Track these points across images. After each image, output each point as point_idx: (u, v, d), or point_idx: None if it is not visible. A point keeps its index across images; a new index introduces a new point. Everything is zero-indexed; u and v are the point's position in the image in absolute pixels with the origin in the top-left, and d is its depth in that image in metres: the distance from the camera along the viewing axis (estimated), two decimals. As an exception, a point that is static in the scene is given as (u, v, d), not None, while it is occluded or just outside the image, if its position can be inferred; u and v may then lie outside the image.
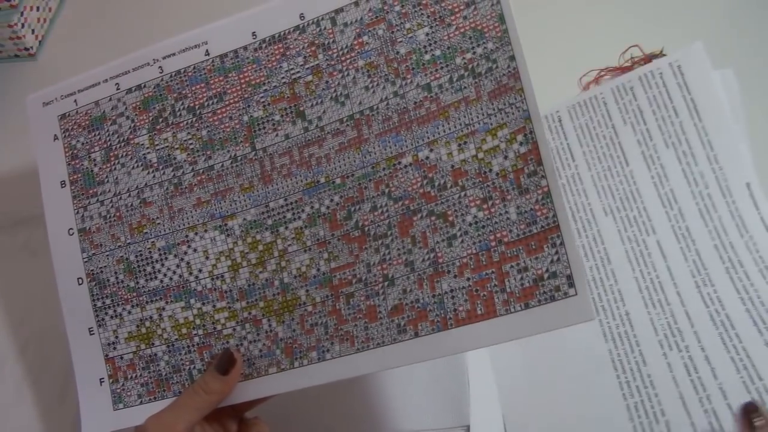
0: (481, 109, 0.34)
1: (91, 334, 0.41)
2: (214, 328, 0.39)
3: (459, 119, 0.35)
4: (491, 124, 0.34)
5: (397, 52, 0.37)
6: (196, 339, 0.39)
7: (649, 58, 0.51)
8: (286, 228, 0.38)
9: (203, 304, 0.39)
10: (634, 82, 0.49)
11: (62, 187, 0.42)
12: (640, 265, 0.45)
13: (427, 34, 0.36)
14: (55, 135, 0.43)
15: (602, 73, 0.53)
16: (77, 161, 0.42)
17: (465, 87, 0.35)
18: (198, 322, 0.39)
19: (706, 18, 0.55)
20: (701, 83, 0.47)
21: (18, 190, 0.57)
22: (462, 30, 0.35)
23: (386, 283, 0.35)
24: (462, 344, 0.33)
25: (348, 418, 0.45)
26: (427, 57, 0.36)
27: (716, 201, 0.45)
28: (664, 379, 0.42)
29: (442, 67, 0.36)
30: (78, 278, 0.42)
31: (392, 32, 0.37)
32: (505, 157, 0.34)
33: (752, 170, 0.45)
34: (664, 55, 0.51)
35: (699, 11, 0.56)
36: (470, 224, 0.34)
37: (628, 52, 0.52)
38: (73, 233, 0.42)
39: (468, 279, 0.34)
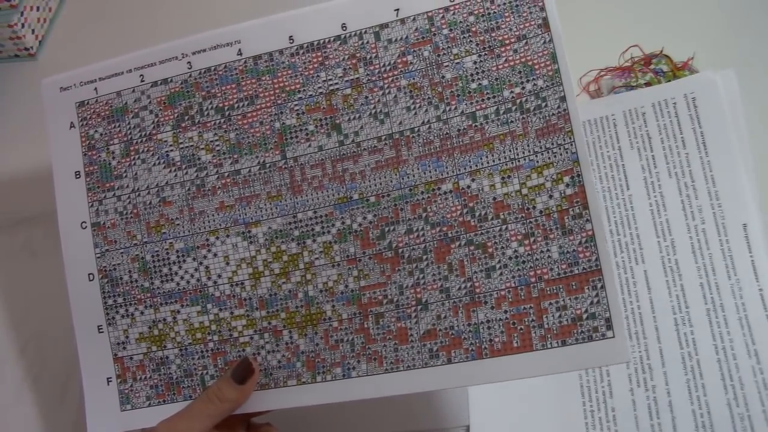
0: (528, 145, 0.35)
1: (99, 332, 0.40)
2: (230, 335, 0.39)
3: (504, 152, 0.35)
4: (537, 162, 0.35)
5: (443, 77, 0.36)
6: (211, 345, 0.39)
7: (649, 59, 0.52)
8: (314, 241, 0.38)
9: (220, 310, 0.39)
10: (646, 108, 0.49)
11: (76, 178, 0.41)
12: (623, 293, 0.46)
13: (475, 63, 0.36)
14: (72, 123, 0.41)
15: (602, 73, 0.53)
16: (94, 152, 0.41)
17: (512, 121, 0.35)
18: (214, 327, 0.39)
19: (706, 18, 0.56)
20: (713, 118, 0.47)
21: (18, 190, 0.56)
22: (512, 63, 0.36)
23: (419, 307, 0.36)
24: (495, 374, 0.34)
25: (348, 418, 0.46)
26: (473, 85, 0.36)
27: (710, 238, 0.46)
28: (627, 416, 0.43)
29: (489, 98, 0.36)
30: (89, 274, 0.40)
31: (438, 55, 0.37)
32: (550, 197, 0.34)
33: (752, 211, 0.45)
34: (666, 55, 0.51)
35: (699, 11, 0.56)
36: (510, 258, 0.35)
37: (628, 52, 0.52)
38: (86, 227, 0.40)
39: (506, 312, 0.34)
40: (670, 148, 0.48)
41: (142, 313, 0.40)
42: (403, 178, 0.37)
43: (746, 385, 0.42)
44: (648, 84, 0.51)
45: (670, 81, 0.50)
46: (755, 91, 0.50)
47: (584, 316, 0.33)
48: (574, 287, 0.34)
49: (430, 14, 0.37)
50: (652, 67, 0.52)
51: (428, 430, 0.45)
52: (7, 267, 0.54)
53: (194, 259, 0.39)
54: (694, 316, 0.44)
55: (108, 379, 0.40)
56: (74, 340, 0.46)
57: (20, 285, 0.53)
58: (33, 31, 0.62)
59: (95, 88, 0.41)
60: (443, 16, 0.37)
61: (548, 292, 0.34)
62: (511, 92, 0.35)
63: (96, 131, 0.41)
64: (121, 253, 0.40)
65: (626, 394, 0.43)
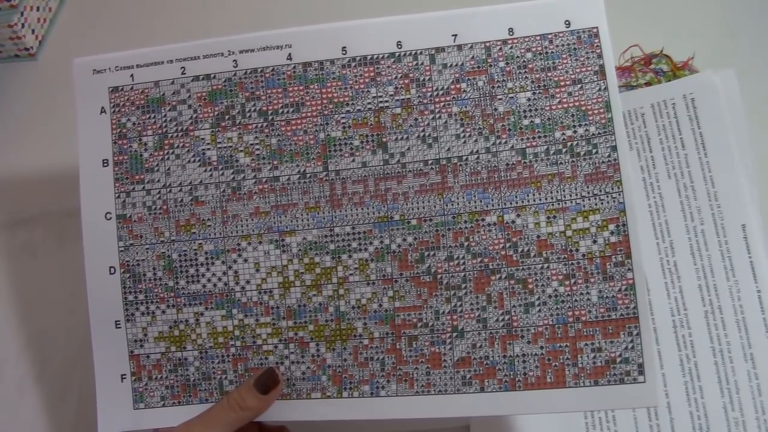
0: (575, 188, 0.36)
1: (117, 328, 0.39)
2: (254, 342, 0.38)
3: (551, 192, 0.36)
4: (584, 206, 0.36)
5: (495, 109, 0.37)
6: (232, 350, 0.38)
7: (649, 58, 0.52)
8: (350, 257, 0.38)
9: (246, 316, 0.38)
10: (645, 109, 0.49)
11: (104, 166, 0.39)
12: None
13: (529, 99, 0.37)
14: (103, 108, 0.39)
15: (602, 73, 0.54)
16: (125, 141, 0.39)
17: (561, 162, 0.36)
18: (237, 333, 0.38)
19: (706, 18, 0.57)
20: (712, 118, 0.47)
21: (18, 190, 0.55)
22: (565, 105, 0.36)
23: (455, 334, 0.37)
24: (526, 407, 0.36)
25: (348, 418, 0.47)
26: (525, 122, 0.37)
27: (709, 239, 0.46)
28: (626, 417, 0.43)
29: (540, 137, 0.36)
30: (110, 267, 0.39)
31: (493, 87, 0.37)
32: (594, 242, 0.36)
33: (751, 212, 0.45)
34: (666, 55, 0.52)
35: (699, 11, 0.57)
36: (550, 296, 0.36)
37: (628, 52, 0.53)
38: (110, 218, 0.39)
39: (542, 347, 0.36)
40: (669, 149, 0.48)
41: (163, 312, 0.39)
42: (447, 205, 0.37)
43: (742, 389, 0.43)
44: (648, 84, 0.51)
45: (670, 81, 0.50)
46: (755, 91, 0.50)
47: (618, 359, 0.35)
48: (610, 331, 0.35)
49: (487, 44, 0.37)
50: (652, 67, 0.53)
51: (428, 430, 0.46)
52: (7, 267, 0.53)
53: (223, 262, 0.38)
54: (692, 318, 0.45)
55: (122, 376, 0.39)
56: (76, 339, 0.45)
57: (20, 285, 0.52)
58: (33, 31, 0.61)
59: (131, 75, 0.39)
60: (501, 49, 0.37)
61: (584, 333, 0.35)
62: (563, 134, 0.36)
63: (129, 119, 0.39)
64: (147, 249, 0.39)
65: None
